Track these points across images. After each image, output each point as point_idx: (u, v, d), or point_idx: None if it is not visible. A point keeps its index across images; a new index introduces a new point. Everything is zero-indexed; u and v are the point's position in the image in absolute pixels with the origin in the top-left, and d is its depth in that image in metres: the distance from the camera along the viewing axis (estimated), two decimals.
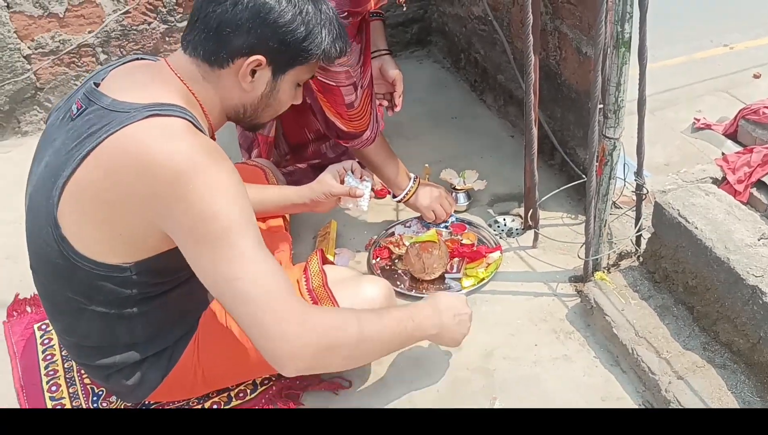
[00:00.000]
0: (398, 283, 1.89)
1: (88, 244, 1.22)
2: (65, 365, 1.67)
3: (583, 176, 1.85)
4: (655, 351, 1.56)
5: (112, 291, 1.28)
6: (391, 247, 1.98)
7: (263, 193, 1.73)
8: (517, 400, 1.58)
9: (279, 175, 1.97)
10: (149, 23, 2.62)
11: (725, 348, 1.54)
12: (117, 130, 1.15)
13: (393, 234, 2.06)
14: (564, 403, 1.56)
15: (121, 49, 2.62)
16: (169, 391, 1.46)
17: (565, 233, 2.03)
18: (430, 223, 2.06)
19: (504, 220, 2.12)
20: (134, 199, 1.16)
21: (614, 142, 1.58)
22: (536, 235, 1.99)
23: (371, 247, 2.01)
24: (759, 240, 1.51)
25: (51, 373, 1.66)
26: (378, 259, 1.97)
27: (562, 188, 2.07)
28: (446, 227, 2.06)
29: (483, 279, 1.87)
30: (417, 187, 1.97)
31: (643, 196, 1.77)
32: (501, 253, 1.96)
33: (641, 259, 1.81)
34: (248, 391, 1.59)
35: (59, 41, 2.53)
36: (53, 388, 1.62)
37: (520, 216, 2.10)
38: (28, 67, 2.53)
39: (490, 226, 2.09)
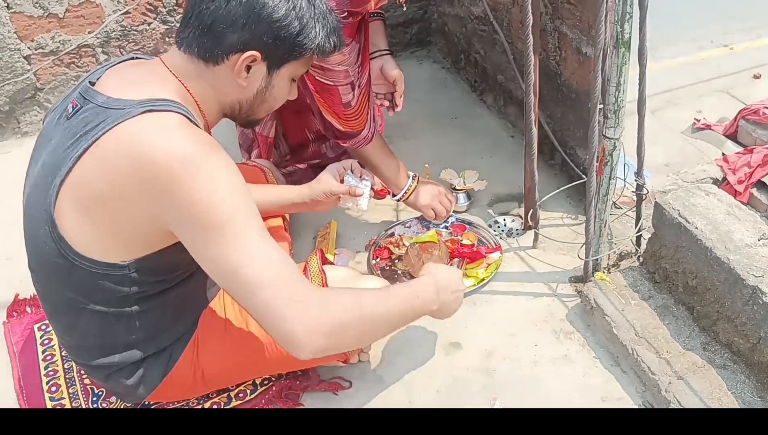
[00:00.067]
0: (398, 283, 1.88)
1: (86, 243, 1.22)
2: (65, 365, 1.67)
3: (583, 176, 1.85)
4: (655, 351, 1.56)
5: (111, 289, 1.28)
6: (391, 247, 1.98)
7: (263, 192, 1.73)
8: (517, 400, 1.58)
9: (279, 175, 1.97)
10: (149, 23, 2.62)
11: (725, 348, 1.54)
12: (112, 127, 1.16)
13: (393, 234, 2.06)
14: (564, 403, 1.56)
15: (121, 50, 2.62)
16: (168, 391, 1.46)
17: (565, 233, 2.03)
18: (430, 222, 2.06)
19: (504, 220, 2.12)
20: (133, 195, 1.16)
21: (614, 143, 1.58)
22: (536, 235, 1.99)
23: (371, 248, 2.01)
24: (759, 240, 1.51)
25: (51, 373, 1.66)
26: (378, 260, 1.97)
27: (562, 188, 2.07)
28: (446, 227, 2.06)
29: (483, 279, 1.87)
30: (416, 186, 1.97)
31: (644, 197, 1.77)
32: (501, 253, 1.95)
33: (641, 259, 1.81)
34: (248, 391, 1.59)
35: (59, 41, 2.53)
36: (53, 389, 1.62)
37: (520, 216, 2.10)
38: (28, 67, 2.53)
39: (490, 226, 2.09)
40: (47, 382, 1.64)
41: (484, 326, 1.77)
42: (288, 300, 1.16)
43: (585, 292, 1.74)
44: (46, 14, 2.46)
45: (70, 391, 1.62)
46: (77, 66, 2.60)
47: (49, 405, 1.59)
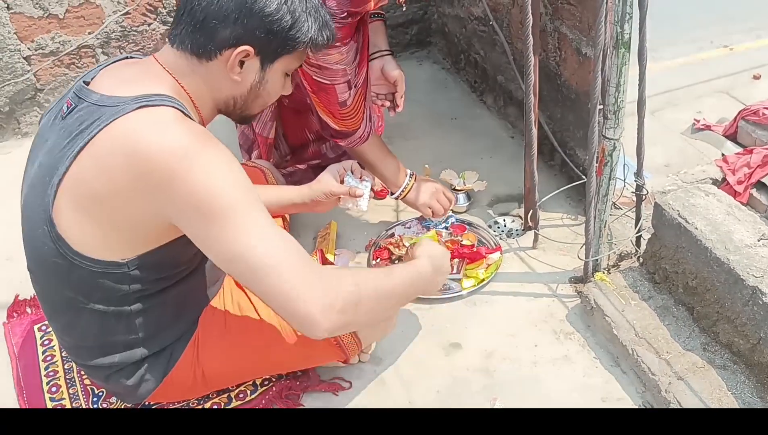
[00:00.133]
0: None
1: (85, 242, 1.22)
2: (65, 366, 1.67)
3: (583, 177, 1.85)
4: (655, 352, 1.56)
5: (110, 288, 1.28)
6: (391, 247, 1.98)
7: (263, 193, 1.73)
8: (517, 400, 1.58)
9: (278, 176, 1.97)
10: (149, 24, 2.62)
11: (725, 349, 1.54)
12: (107, 125, 1.16)
13: (393, 235, 2.06)
14: (564, 403, 1.56)
15: (121, 50, 2.62)
16: (169, 392, 1.46)
17: (565, 234, 2.03)
18: (430, 223, 2.06)
19: (504, 220, 2.12)
20: (131, 191, 1.16)
21: (614, 143, 1.58)
22: (536, 235, 1.99)
23: (371, 248, 2.01)
24: (759, 241, 1.51)
25: (51, 374, 1.66)
26: (378, 260, 1.97)
27: (562, 189, 2.07)
28: (446, 228, 2.06)
29: (483, 280, 1.87)
30: (413, 183, 1.96)
31: (643, 197, 1.77)
32: (501, 253, 1.96)
33: (641, 259, 1.81)
34: (248, 391, 1.59)
35: (59, 42, 2.53)
36: (53, 389, 1.62)
37: (520, 217, 2.10)
38: (28, 68, 2.53)
39: (490, 226, 2.09)
40: (47, 383, 1.64)
41: (484, 327, 1.77)
42: (299, 280, 1.17)
43: (585, 293, 1.74)
44: (46, 15, 2.46)
45: (71, 391, 1.62)
46: (77, 67, 2.60)
47: (50, 405, 1.59)
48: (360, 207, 1.76)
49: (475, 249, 1.96)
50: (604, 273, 1.77)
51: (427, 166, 2.20)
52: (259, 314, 1.48)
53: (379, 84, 1.92)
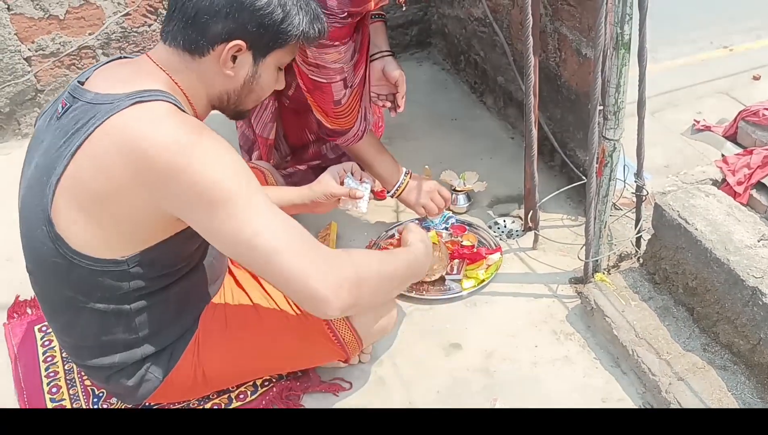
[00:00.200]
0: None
1: (84, 240, 1.23)
2: (65, 367, 1.67)
3: (583, 178, 1.85)
4: (656, 352, 1.56)
5: (110, 287, 1.28)
6: (391, 248, 1.97)
7: None
8: (518, 401, 1.58)
9: (278, 177, 1.97)
10: (149, 25, 2.62)
11: (725, 349, 1.54)
12: (103, 122, 1.17)
13: (393, 235, 2.05)
14: (564, 404, 1.56)
15: (122, 51, 2.62)
16: (169, 392, 1.46)
17: (565, 235, 2.03)
18: (430, 222, 2.06)
19: (504, 221, 2.12)
20: (130, 188, 1.17)
21: (614, 144, 1.58)
22: (536, 236, 1.99)
23: (371, 249, 2.01)
24: (759, 241, 1.51)
25: (51, 374, 1.66)
26: None
27: (562, 190, 2.07)
28: (446, 229, 2.06)
29: (483, 280, 1.87)
30: (408, 182, 1.96)
31: (643, 198, 1.78)
32: (501, 254, 1.96)
33: (641, 260, 1.81)
34: (248, 392, 1.59)
35: (59, 43, 2.53)
36: (54, 390, 1.62)
37: (520, 217, 2.10)
38: (29, 69, 2.53)
39: (490, 227, 2.09)
40: (48, 384, 1.64)
41: (484, 327, 1.77)
42: (308, 260, 1.20)
43: (585, 293, 1.74)
44: (46, 16, 2.46)
45: (71, 392, 1.62)
46: (78, 67, 2.60)
47: (50, 406, 1.59)
48: (360, 208, 1.76)
49: (475, 250, 1.96)
50: (604, 274, 1.78)
51: (427, 166, 2.20)
52: (259, 314, 1.48)
53: (380, 84, 1.92)
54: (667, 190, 2.03)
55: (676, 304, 1.67)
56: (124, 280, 1.28)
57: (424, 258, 1.52)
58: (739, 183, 2.10)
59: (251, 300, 1.50)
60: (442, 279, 1.90)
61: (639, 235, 1.84)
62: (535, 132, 1.83)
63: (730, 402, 1.45)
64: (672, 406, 1.46)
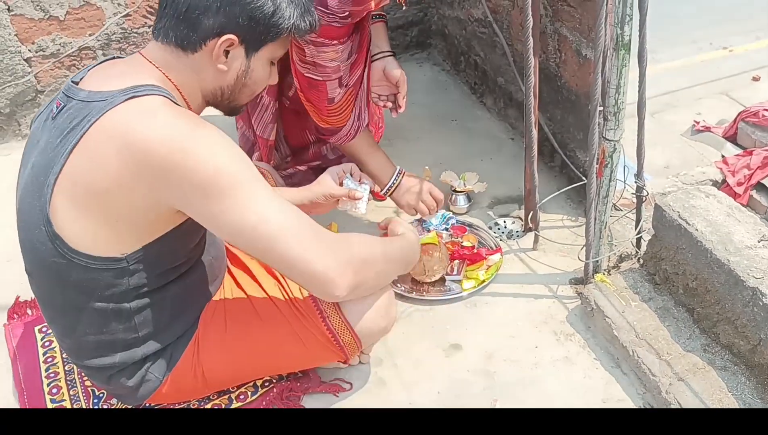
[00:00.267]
0: (398, 285, 1.89)
1: (82, 238, 1.23)
2: (66, 368, 1.67)
3: (583, 178, 1.85)
4: (656, 353, 1.56)
5: (109, 285, 1.28)
6: None
7: None
8: (518, 402, 1.58)
9: (278, 177, 1.97)
10: (149, 26, 2.62)
11: (726, 350, 1.54)
12: (98, 119, 1.17)
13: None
14: (564, 404, 1.56)
15: (122, 52, 2.62)
16: (169, 392, 1.46)
17: (566, 235, 2.03)
18: (430, 223, 2.06)
19: (504, 222, 2.12)
20: (130, 183, 1.17)
21: (614, 145, 1.58)
22: (536, 237, 1.99)
23: None
24: (759, 242, 1.51)
25: (52, 375, 1.66)
26: None
27: (562, 190, 2.08)
28: (447, 229, 2.06)
29: (483, 281, 1.87)
30: (401, 181, 1.97)
31: (643, 198, 1.78)
32: (501, 255, 1.96)
33: (641, 261, 1.81)
34: (249, 393, 1.59)
35: (60, 44, 2.53)
36: (54, 391, 1.62)
37: (521, 218, 2.10)
38: (29, 69, 2.53)
39: (490, 228, 2.10)
40: (48, 384, 1.64)
41: (484, 328, 1.77)
42: (313, 242, 1.23)
43: (585, 294, 1.74)
44: (46, 17, 2.46)
45: (71, 393, 1.61)
46: (78, 68, 2.60)
47: (50, 407, 1.58)
48: (359, 209, 1.76)
49: (475, 250, 1.96)
50: (604, 274, 1.78)
51: (427, 167, 2.19)
52: (258, 314, 1.48)
53: (381, 85, 1.92)
54: (667, 190, 2.03)
55: (677, 304, 1.67)
56: (123, 278, 1.28)
57: (417, 246, 1.56)
58: (739, 184, 2.10)
59: (250, 300, 1.50)
60: (442, 280, 1.90)
61: (639, 235, 1.84)
62: (535, 133, 1.83)
63: (730, 402, 1.45)
64: (672, 407, 1.46)
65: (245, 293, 1.52)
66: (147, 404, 1.51)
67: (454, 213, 2.14)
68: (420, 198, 1.97)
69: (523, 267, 1.95)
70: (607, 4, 1.43)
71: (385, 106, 1.97)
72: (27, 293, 1.86)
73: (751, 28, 3.13)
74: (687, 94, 2.68)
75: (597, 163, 1.61)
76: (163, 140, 1.14)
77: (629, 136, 1.62)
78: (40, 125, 1.30)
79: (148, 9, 2.59)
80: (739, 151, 2.26)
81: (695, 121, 2.46)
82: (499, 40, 2.38)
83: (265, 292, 1.52)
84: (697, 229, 1.56)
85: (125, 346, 1.38)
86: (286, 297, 1.48)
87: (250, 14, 1.24)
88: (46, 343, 1.74)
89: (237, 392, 1.59)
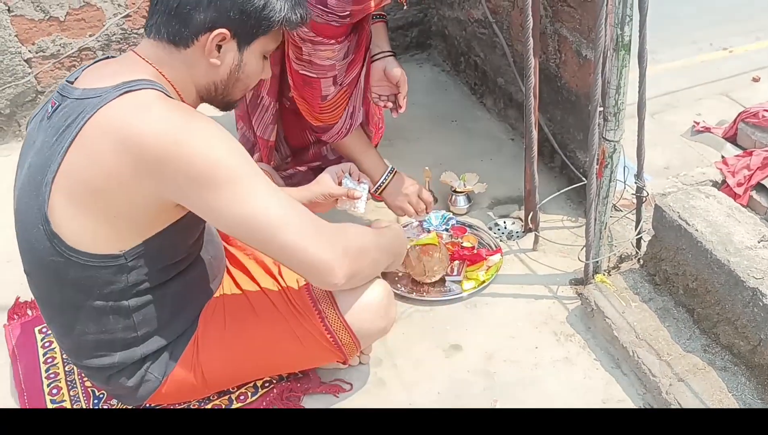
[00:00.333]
0: (399, 285, 1.89)
1: (81, 236, 1.23)
2: (66, 368, 1.67)
3: (584, 179, 1.85)
4: (656, 353, 1.56)
5: (108, 283, 1.28)
6: None
7: None
8: (518, 402, 1.58)
9: (278, 178, 1.97)
10: None
11: (726, 350, 1.54)
12: (92, 115, 1.18)
13: None
14: (564, 405, 1.56)
15: (122, 53, 2.62)
16: (169, 393, 1.46)
17: (566, 236, 2.03)
18: (429, 224, 2.06)
19: (504, 222, 2.12)
20: (127, 178, 1.17)
21: (614, 145, 1.58)
22: (536, 237, 1.99)
23: None
24: (759, 242, 1.51)
25: (52, 376, 1.66)
26: None
27: (562, 191, 2.08)
28: (447, 230, 2.06)
29: (483, 282, 1.87)
30: (390, 181, 1.97)
31: (644, 199, 1.78)
32: (501, 255, 1.96)
33: (641, 261, 1.81)
34: (249, 393, 1.59)
35: (60, 45, 2.53)
36: (54, 391, 1.62)
37: (521, 219, 2.10)
38: (29, 70, 2.53)
39: (490, 228, 2.10)
40: (48, 385, 1.64)
41: (484, 328, 1.77)
42: (313, 233, 1.25)
43: (585, 295, 1.74)
44: (47, 17, 2.46)
45: (71, 393, 1.61)
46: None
47: (50, 407, 1.58)
48: (358, 209, 1.77)
49: (475, 251, 1.96)
50: (604, 275, 1.78)
51: (427, 168, 2.20)
52: (257, 314, 1.48)
53: (382, 85, 1.92)
54: (667, 191, 2.03)
55: (677, 305, 1.67)
56: (122, 275, 1.28)
57: (403, 238, 1.61)
58: (739, 184, 2.10)
59: (249, 300, 1.50)
60: (442, 280, 1.90)
61: (639, 236, 1.84)
62: (535, 133, 1.83)
63: (730, 403, 1.45)
64: (673, 407, 1.46)
65: (244, 293, 1.53)
66: (147, 405, 1.50)
67: (454, 214, 2.14)
68: (408, 199, 1.97)
69: (523, 268, 1.95)
70: (607, 5, 1.43)
71: (385, 107, 1.97)
72: (27, 294, 1.86)
73: (751, 29, 3.13)
74: (687, 95, 2.68)
75: (597, 164, 1.61)
76: (158, 133, 1.15)
77: (629, 136, 1.62)
78: (36, 126, 1.30)
79: (148, 10, 2.59)
80: (739, 152, 2.26)
81: (695, 122, 2.46)
82: (499, 41, 2.38)
83: (263, 291, 1.52)
84: (697, 230, 1.56)
85: (124, 345, 1.38)
86: (285, 296, 1.48)
87: (241, 8, 1.25)
88: (46, 344, 1.74)
89: (237, 393, 1.59)
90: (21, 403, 1.61)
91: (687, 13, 3.11)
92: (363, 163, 1.93)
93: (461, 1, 2.70)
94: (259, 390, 1.60)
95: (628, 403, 1.56)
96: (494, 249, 1.99)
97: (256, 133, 2.04)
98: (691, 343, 1.58)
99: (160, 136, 1.15)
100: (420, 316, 1.82)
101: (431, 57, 3.09)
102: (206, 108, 1.39)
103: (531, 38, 1.65)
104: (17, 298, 1.88)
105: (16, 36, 2.45)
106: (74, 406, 1.58)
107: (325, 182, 1.74)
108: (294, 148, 2.13)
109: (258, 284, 1.54)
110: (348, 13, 1.58)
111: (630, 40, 1.45)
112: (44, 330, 1.77)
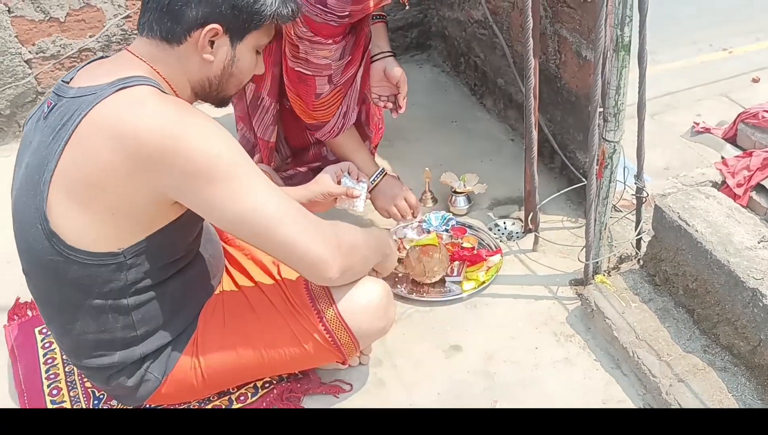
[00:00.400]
0: (399, 286, 1.89)
1: (79, 235, 1.23)
2: (66, 369, 1.67)
3: (583, 179, 1.85)
4: (656, 354, 1.56)
5: (106, 281, 1.29)
6: None
7: None
8: (518, 402, 1.58)
9: (278, 180, 1.97)
10: None
11: (726, 351, 1.54)
12: (87, 113, 1.18)
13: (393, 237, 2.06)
14: (564, 405, 1.56)
15: None
16: (169, 393, 1.45)
17: (566, 236, 2.03)
18: (429, 224, 2.06)
19: (504, 223, 2.13)
20: (125, 175, 1.18)
21: (614, 146, 1.58)
22: (536, 238, 1.99)
23: None
24: (759, 243, 1.51)
25: (52, 376, 1.66)
26: None
27: (562, 191, 2.08)
28: (447, 231, 2.06)
29: (483, 282, 1.87)
30: (379, 182, 1.98)
31: (643, 200, 1.78)
32: (501, 256, 1.96)
33: (641, 262, 1.81)
34: (249, 394, 1.59)
35: (60, 45, 2.53)
36: (54, 392, 1.62)
37: (521, 219, 2.10)
38: (29, 71, 2.53)
39: (490, 229, 2.10)
40: (48, 386, 1.64)
41: (484, 329, 1.77)
42: (309, 229, 1.28)
43: (585, 295, 1.74)
44: (47, 18, 2.47)
45: (71, 394, 1.61)
46: None
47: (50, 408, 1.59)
48: (357, 208, 1.77)
49: (475, 251, 1.96)
50: (604, 275, 1.78)
51: (427, 169, 2.20)
52: (256, 314, 1.48)
53: (382, 85, 1.92)
54: (667, 191, 2.03)
55: (677, 305, 1.67)
56: (121, 273, 1.29)
57: (388, 240, 1.65)
58: (739, 185, 2.10)
59: (248, 299, 1.50)
60: (442, 281, 1.90)
61: (639, 236, 1.85)
62: (535, 134, 1.83)
63: (730, 403, 1.45)
64: (672, 408, 1.46)
65: (243, 293, 1.53)
66: (147, 405, 1.50)
67: (454, 214, 2.14)
68: (393, 202, 1.98)
69: (523, 268, 1.95)
70: (607, 6, 1.43)
71: (385, 107, 1.98)
72: (27, 294, 1.85)
73: (751, 30, 3.13)
74: (687, 96, 2.68)
75: (597, 165, 1.61)
76: (153, 128, 1.15)
77: (629, 137, 1.62)
78: (32, 126, 1.30)
79: (141, 7, 2.59)
80: (739, 153, 2.26)
81: (695, 123, 2.46)
82: (499, 42, 2.38)
83: (262, 291, 1.52)
84: (697, 230, 1.56)
85: (124, 344, 1.38)
86: (283, 295, 1.49)
87: (233, 3, 1.25)
88: (46, 344, 1.74)
89: (237, 393, 1.59)
90: (21, 404, 1.61)
91: (687, 13, 3.11)
92: (354, 163, 1.94)
93: (461, 2, 2.70)
94: (259, 390, 1.60)
95: (628, 404, 1.56)
96: (494, 250, 1.99)
97: (256, 135, 2.04)
98: (691, 344, 1.58)
99: (155, 131, 1.15)
100: (420, 317, 1.82)
101: (431, 58, 3.09)
102: (206, 108, 1.39)
103: (531, 39, 1.66)
104: (17, 299, 1.88)
105: (16, 37, 2.45)
106: (74, 407, 1.58)
107: (324, 181, 1.75)
108: (294, 149, 2.14)
109: (257, 284, 1.55)
110: (347, 13, 1.58)
111: (630, 41, 1.45)
112: (44, 331, 1.77)
